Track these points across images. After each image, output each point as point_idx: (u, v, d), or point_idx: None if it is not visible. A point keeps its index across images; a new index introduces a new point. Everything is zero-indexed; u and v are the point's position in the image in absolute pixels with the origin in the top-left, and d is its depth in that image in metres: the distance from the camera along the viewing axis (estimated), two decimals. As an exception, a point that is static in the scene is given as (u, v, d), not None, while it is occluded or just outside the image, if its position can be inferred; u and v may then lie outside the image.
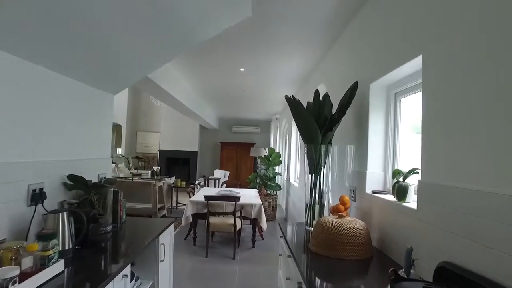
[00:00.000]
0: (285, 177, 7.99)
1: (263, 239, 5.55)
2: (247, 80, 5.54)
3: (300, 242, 2.43)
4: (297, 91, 6.16)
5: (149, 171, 7.01)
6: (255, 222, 5.03)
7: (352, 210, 2.55)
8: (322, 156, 2.61)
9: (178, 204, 8.06)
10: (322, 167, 2.65)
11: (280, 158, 7.52)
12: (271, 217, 7.04)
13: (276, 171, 7.72)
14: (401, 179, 1.97)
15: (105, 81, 2.60)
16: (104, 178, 2.69)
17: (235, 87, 6.18)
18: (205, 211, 4.65)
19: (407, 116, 2.36)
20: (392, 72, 2.16)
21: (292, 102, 2.51)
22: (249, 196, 5.68)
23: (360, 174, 2.47)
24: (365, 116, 2.48)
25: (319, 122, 2.56)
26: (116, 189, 2.43)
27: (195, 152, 11.76)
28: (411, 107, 2.35)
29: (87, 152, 2.53)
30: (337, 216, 2.08)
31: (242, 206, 4.84)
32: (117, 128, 12.68)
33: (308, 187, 2.73)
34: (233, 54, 4.24)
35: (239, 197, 4.56)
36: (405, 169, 2.04)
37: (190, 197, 5.33)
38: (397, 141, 2.36)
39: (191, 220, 4.94)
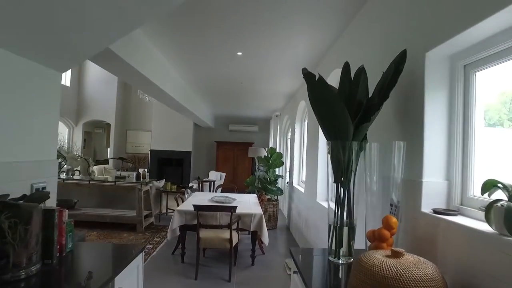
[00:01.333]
0: (287, 180, 7.22)
1: (263, 253, 4.77)
2: (245, 67, 4.76)
3: (325, 284, 1.66)
4: (303, 81, 5.38)
5: (135, 173, 6.20)
6: (254, 235, 4.25)
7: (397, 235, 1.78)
8: (353, 157, 1.84)
9: (169, 210, 7.25)
10: (353, 173, 1.87)
11: (282, 159, 6.75)
12: (272, 225, 6.26)
13: (277, 173, 6.94)
14: (502, 196, 1.20)
15: (44, 51, 1.81)
16: (43, 189, 1.90)
17: (232, 77, 5.39)
18: (195, 222, 3.86)
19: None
20: (464, 33, 1.41)
21: (312, 79, 1.74)
22: (248, 203, 4.89)
23: (411, 184, 1.70)
24: (418, 99, 1.71)
25: (351, 109, 1.78)
26: (51, 207, 1.64)
27: (189, 152, 10.96)
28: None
29: (10, 152, 1.73)
30: (390, 254, 1.31)
31: (239, 217, 4.06)
32: (108, 127, 11.89)
33: (332, 200, 1.95)
34: (228, 33, 3.46)
35: (235, 207, 3.78)
36: (490, 176, 1.27)
37: (178, 205, 4.54)
38: (469, 135, 1.59)
39: (178, 233, 4.16)
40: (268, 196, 6.41)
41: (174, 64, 4.82)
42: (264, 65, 4.63)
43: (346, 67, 1.85)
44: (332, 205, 1.95)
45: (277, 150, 9.08)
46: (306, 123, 6.19)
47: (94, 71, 11.03)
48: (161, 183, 6.94)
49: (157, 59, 4.40)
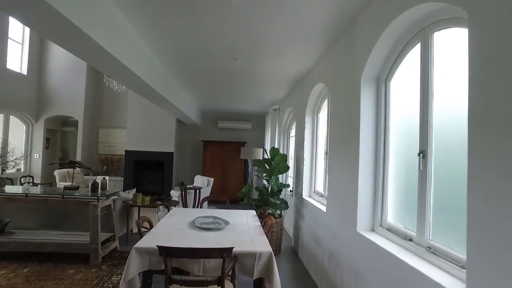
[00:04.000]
0: (290, 189, 5.67)
1: (270, 302, 3.25)
2: (243, 28, 3.22)
3: None
4: (322, 54, 3.85)
5: (90, 183, 4.58)
6: (259, 284, 2.72)
7: None
8: None
9: (142, 229, 5.65)
10: None
11: (287, 162, 5.23)
12: (275, 249, 4.75)
13: (280, 180, 5.43)
14: None
15: None
16: None
17: (223, 47, 3.85)
18: (165, 266, 2.32)
19: None
20: None
21: None
22: (246, 228, 3.36)
23: None
24: None
25: None
26: None
27: (171, 154, 9.37)
28: None
29: None
30: None
31: (236, 258, 2.53)
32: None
33: None
34: None
35: (230, 250, 2.25)
36: None
37: (140, 234, 2.97)
38: None
39: (138, 285, 2.61)
40: (269, 211, 4.89)
41: (143, 28, 3.27)
42: (271, 24, 3.11)
43: None
44: None
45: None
46: (321, 114, 4.72)
47: (58, 57, 9.34)
48: (130, 194, 5.35)
49: (120, 25, 2.84)
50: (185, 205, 6.95)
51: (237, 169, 9.49)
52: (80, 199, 4.46)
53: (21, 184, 6.75)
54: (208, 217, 3.68)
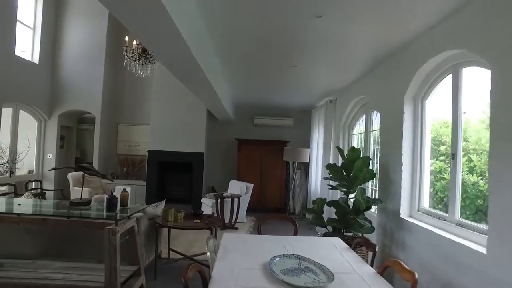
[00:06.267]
0: (373, 204, 4.20)
1: None
2: None
3: None
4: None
5: (105, 197, 3.27)
6: None
7: None
8: None
9: (173, 254, 4.32)
10: None
11: (370, 167, 3.80)
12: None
13: (365, 193, 3.98)
14: None
15: None
16: None
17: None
18: None
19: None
20: None
21: None
22: (361, 283, 1.98)
23: None
24: None
25: None
26: None
27: (201, 154, 8.07)
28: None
29: None
30: None
31: None
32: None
33: None
34: None
35: None
36: None
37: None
38: None
39: None
40: (355, 234, 3.48)
41: None
42: None
43: None
44: None
45: (331, 152, 6.15)
46: (429, 101, 3.30)
47: (73, 45, 8.21)
48: (158, 209, 4.05)
49: None
50: (221, 219, 5.65)
51: (277, 173, 8.10)
52: (92, 218, 3.19)
53: (26, 190, 5.59)
54: (288, 256, 2.32)
